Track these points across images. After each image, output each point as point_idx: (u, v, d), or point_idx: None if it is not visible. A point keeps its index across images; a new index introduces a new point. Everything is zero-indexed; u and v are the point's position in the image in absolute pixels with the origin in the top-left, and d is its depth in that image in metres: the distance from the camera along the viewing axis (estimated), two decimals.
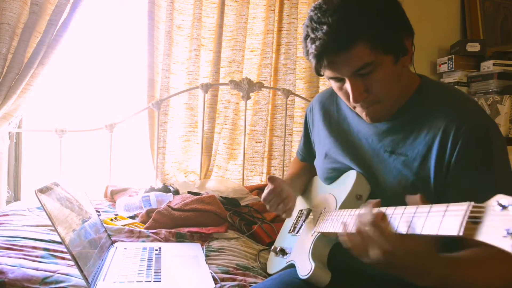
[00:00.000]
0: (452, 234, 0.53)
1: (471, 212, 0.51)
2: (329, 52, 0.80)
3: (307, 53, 0.85)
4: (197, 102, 2.26)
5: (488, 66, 2.39)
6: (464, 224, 0.51)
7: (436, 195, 0.84)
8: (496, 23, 2.71)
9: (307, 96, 2.39)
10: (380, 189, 0.92)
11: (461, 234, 0.51)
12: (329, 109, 1.10)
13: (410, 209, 0.64)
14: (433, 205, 0.59)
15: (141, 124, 2.21)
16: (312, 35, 0.81)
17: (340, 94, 0.90)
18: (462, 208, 0.52)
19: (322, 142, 1.10)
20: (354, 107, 0.91)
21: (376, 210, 0.71)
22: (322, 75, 0.87)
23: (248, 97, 2.26)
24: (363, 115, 0.90)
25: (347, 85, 0.85)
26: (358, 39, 0.78)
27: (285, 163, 2.35)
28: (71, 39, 1.92)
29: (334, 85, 0.90)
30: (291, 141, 2.39)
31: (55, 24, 1.82)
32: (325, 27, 0.79)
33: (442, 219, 0.56)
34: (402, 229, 0.65)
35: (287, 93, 2.30)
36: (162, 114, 2.17)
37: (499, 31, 2.71)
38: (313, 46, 0.81)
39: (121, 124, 2.15)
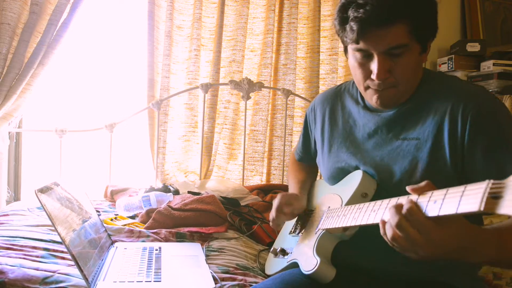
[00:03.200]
0: (472, 210, 0.54)
1: (491, 188, 0.52)
2: (375, 19, 0.81)
3: (346, 20, 0.85)
4: (197, 102, 2.26)
5: (488, 66, 2.39)
6: (484, 200, 0.52)
7: (454, 172, 0.85)
8: (496, 23, 2.71)
9: (307, 96, 2.38)
10: (395, 179, 0.92)
11: (482, 209, 0.52)
12: (334, 107, 1.10)
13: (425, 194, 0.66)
14: (450, 188, 0.61)
15: (141, 124, 2.21)
16: (361, 1, 0.82)
17: (358, 71, 0.90)
18: (482, 186, 0.54)
19: (327, 141, 1.09)
20: (367, 88, 0.91)
21: (406, 201, 0.67)
22: (358, 43, 0.86)
23: (248, 97, 2.26)
24: (374, 97, 0.91)
25: (373, 62, 0.86)
26: (404, 18, 0.81)
27: (285, 163, 2.35)
28: (71, 39, 1.92)
29: (356, 59, 0.89)
30: (291, 141, 2.39)
31: (55, 24, 1.82)
32: None
33: (461, 199, 0.57)
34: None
35: (287, 93, 2.30)
36: (162, 114, 2.17)
37: (499, 31, 2.71)
38: (361, 10, 0.81)
39: (121, 124, 2.15)
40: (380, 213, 0.74)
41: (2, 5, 1.77)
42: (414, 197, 0.67)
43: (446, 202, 0.60)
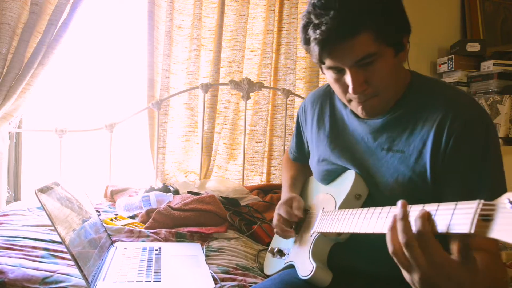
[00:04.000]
0: (463, 231, 0.52)
1: (482, 210, 0.51)
2: (334, 38, 0.79)
3: (308, 41, 0.83)
4: (197, 102, 2.26)
5: (488, 66, 2.39)
6: (475, 222, 0.50)
7: (433, 189, 0.84)
8: (496, 23, 2.71)
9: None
10: (378, 189, 0.92)
11: (472, 231, 0.50)
12: (323, 108, 1.08)
13: (416, 207, 0.63)
14: (441, 203, 0.59)
15: (141, 124, 2.21)
16: (316, 21, 0.80)
17: (336, 86, 0.89)
18: (472, 206, 0.52)
19: (316, 143, 1.08)
20: (350, 101, 0.89)
21: (417, 215, 0.59)
22: (323, 63, 0.85)
23: (248, 97, 2.26)
24: (359, 109, 0.89)
25: (347, 76, 0.83)
26: (364, 27, 0.78)
27: None
28: (71, 39, 1.92)
29: (331, 76, 0.88)
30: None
31: (55, 24, 1.82)
32: (332, 12, 0.78)
33: (452, 217, 0.55)
34: None
35: (287, 93, 2.30)
36: (162, 114, 2.17)
37: (499, 31, 2.71)
38: (318, 31, 0.79)
39: (121, 124, 2.15)
40: (373, 221, 0.73)
41: (2, 5, 1.77)
42: (430, 207, 0.60)
43: (436, 220, 0.58)
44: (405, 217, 0.60)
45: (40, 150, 2.19)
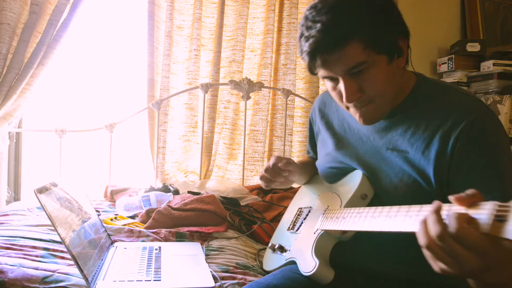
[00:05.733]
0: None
1: (497, 211, 0.51)
2: (322, 49, 0.81)
3: (301, 51, 0.85)
4: (197, 102, 2.27)
5: (488, 66, 2.39)
6: (491, 223, 0.51)
7: (440, 192, 0.83)
8: (496, 23, 2.71)
9: (307, 96, 2.39)
10: (383, 188, 0.92)
11: (488, 231, 0.51)
12: (329, 109, 1.11)
13: (426, 207, 0.62)
14: (454, 206, 0.57)
15: (141, 124, 2.21)
16: (306, 33, 0.82)
17: (333, 94, 0.90)
18: (488, 207, 0.52)
19: (324, 142, 1.11)
20: (348, 108, 0.91)
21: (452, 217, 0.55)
22: (316, 74, 0.87)
23: (248, 97, 2.26)
24: (357, 116, 0.90)
25: (341, 85, 0.85)
26: (351, 37, 0.79)
27: None
28: (71, 39, 1.92)
29: (328, 85, 0.90)
30: (291, 141, 2.39)
31: (55, 24, 1.82)
32: (318, 25, 0.80)
33: None
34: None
35: (287, 93, 2.30)
36: (162, 114, 2.17)
37: (499, 31, 2.71)
38: (307, 44, 0.82)
39: (121, 124, 2.15)
40: (381, 220, 0.73)
41: (2, 5, 1.77)
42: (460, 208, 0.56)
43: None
44: (438, 214, 0.57)
45: (40, 150, 2.19)
